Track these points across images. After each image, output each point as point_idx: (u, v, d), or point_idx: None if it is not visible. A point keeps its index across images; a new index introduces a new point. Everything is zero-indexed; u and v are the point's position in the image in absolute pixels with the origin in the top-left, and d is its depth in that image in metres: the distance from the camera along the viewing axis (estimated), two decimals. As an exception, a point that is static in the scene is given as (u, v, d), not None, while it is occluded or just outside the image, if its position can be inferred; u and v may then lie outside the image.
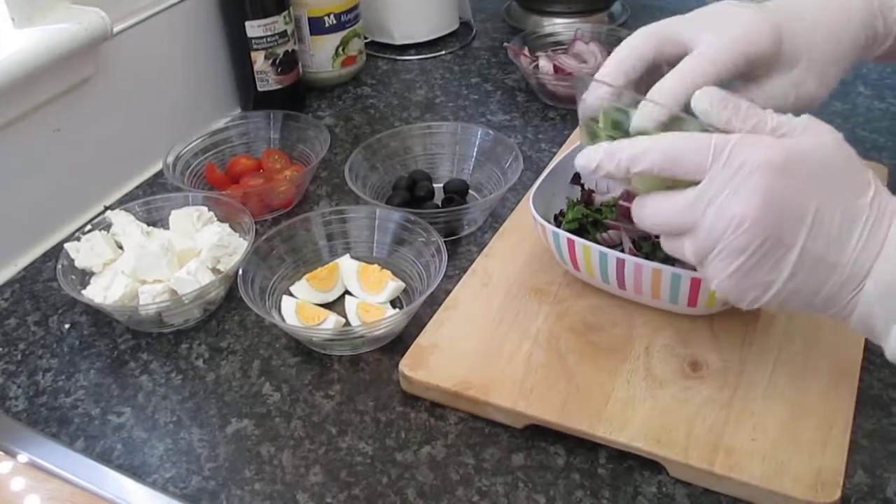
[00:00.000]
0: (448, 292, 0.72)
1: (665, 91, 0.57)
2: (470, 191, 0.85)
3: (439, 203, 0.83)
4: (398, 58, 1.17)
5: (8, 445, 0.63)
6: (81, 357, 0.72)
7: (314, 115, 1.04)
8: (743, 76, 0.61)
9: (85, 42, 0.80)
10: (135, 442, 0.64)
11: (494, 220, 0.83)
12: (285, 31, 0.98)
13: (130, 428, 0.65)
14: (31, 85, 0.77)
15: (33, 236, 0.84)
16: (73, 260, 0.74)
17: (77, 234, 0.77)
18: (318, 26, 1.05)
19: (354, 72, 1.11)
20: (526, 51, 1.06)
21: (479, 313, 0.70)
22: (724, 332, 0.66)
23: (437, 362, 0.65)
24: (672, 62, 0.60)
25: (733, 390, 0.62)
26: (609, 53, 0.63)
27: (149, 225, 0.79)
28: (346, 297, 0.74)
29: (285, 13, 0.97)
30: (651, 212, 0.54)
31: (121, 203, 0.90)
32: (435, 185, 0.85)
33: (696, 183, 0.51)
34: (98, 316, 0.75)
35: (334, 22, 1.05)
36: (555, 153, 0.93)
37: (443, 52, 1.18)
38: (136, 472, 0.62)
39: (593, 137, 0.57)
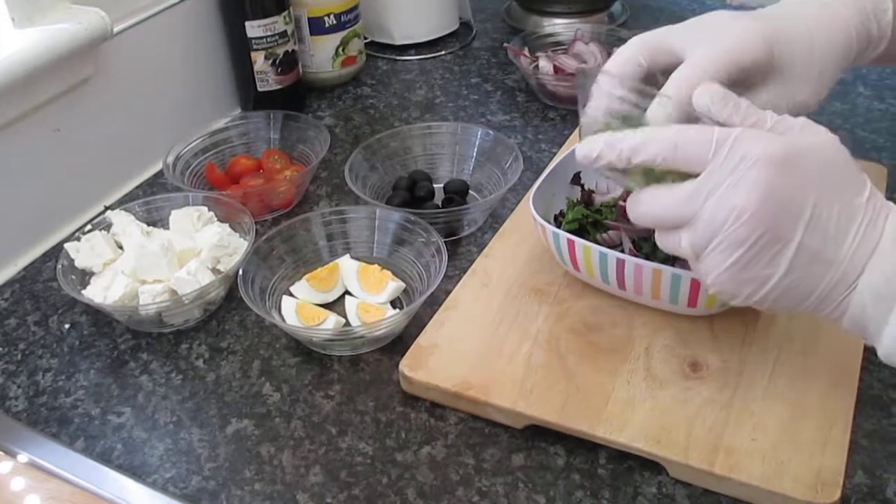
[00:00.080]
0: (448, 293, 0.72)
1: (648, 113, 0.57)
2: (470, 191, 0.85)
3: (439, 203, 0.83)
4: (398, 58, 1.17)
5: (8, 445, 0.63)
6: (81, 357, 0.72)
7: (314, 115, 1.04)
8: (736, 85, 0.61)
9: (85, 42, 0.80)
10: (135, 442, 0.64)
11: (494, 220, 0.83)
12: (285, 31, 0.98)
13: (130, 428, 0.65)
14: (31, 85, 0.77)
15: (33, 236, 0.84)
16: (73, 260, 0.74)
17: (77, 234, 0.77)
18: (318, 26, 1.05)
19: (354, 72, 1.11)
20: (526, 51, 1.06)
21: (479, 314, 0.70)
22: (724, 333, 0.66)
23: (437, 362, 0.65)
24: (665, 71, 0.60)
25: (733, 391, 0.62)
26: (609, 54, 0.64)
27: (149, 225, 0.79)
28: (347, 297, 0.74)
29: (285, 13, 0.97)
30: (648, 205, 0.54)
31: (121, 203, 0.90)
32: (435, 186, 0.85)
33: (694, 178, 0.51)
34: (98, 316, 0.76)
35: (334, 22, 1.05)
36: (555, 153, 0.93)
37: (443, 53, 1.18)
38: (136, 472, 0.62)
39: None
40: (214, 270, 0.74)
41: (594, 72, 0.59)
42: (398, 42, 1.18)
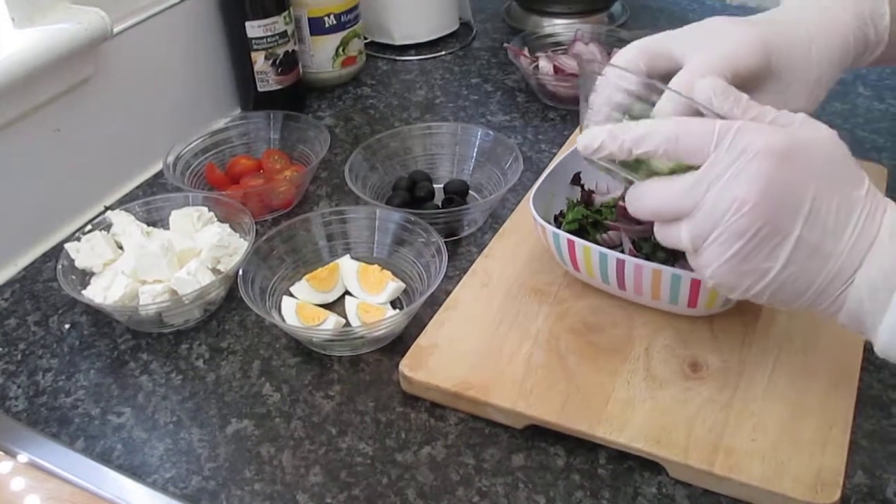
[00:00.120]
0: (448, 293, 0.72)
1: (657, 107, 0.57)
2: (470, 191, 0.85)
3: (439, 203, 0.83)
4: (398, 58, 1.17)
5: (8, 445, 0.63)
6: (81, 357, 0.72)
7: (314, 115, 1.04)
8: None
9: (85, 42, 0.80)
10: (135, 442, 0.64)
11: (494, 220, 0.83)
12: (285, 31, 0.98)
13: (130, 428, 0.65)
14: (31, 85, 0.77)
15: (33, 236, 0.84)
16: (73, 260, 0.74)
17: (77, 234, 0.77)
18: (318, 26, 1.05)
19: (354, 72, 1.11)
20: (526, 51, 1.06)
21: (479, 314, 0.70)
22: (724, 333, 0.66)
23: (437, 363, 0.65)
24: (664, 77, 0.60)
25: (733, 391, 0.62)
26: (609, 54, 0.64)
27: (149, 225, 0.79)
28: (347, 297, 0.74)
29: (285, 13, 0.97)
30: (649, 196, 0.54)
31: (121, 203, 0.90)
32: (435, 186, 0.85)
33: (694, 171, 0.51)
34: (98, 316, 0.76)
35: (334, 22, 1.05)
36: (555, 154, 0.93)
37: (443, 53, 1.18)
38: (136, 472, 0.62)
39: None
40: (214, 270, 0.74)
41: (599, 65, 0.59)
42: (398, 42, 1.18)
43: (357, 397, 0.66)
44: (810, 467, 0.56)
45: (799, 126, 0.52)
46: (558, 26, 1.12)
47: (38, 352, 0.73)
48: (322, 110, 1.06)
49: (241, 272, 0.70)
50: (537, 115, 1.02)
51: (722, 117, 0.53)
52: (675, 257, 0.66)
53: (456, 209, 0.80)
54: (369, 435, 0.63)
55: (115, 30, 0.84)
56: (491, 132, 0.87)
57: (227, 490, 0.60)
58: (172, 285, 0.71)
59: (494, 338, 0.67)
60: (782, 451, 0.57)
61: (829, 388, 0.61)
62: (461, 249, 0.81)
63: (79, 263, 0.74)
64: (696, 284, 0.63)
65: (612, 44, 1.04)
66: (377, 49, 1.19)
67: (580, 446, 0.61)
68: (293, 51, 1.01)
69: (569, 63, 1.02)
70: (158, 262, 0.72)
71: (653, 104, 0.57)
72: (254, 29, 0.96)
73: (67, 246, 0.75)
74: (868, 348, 0.64)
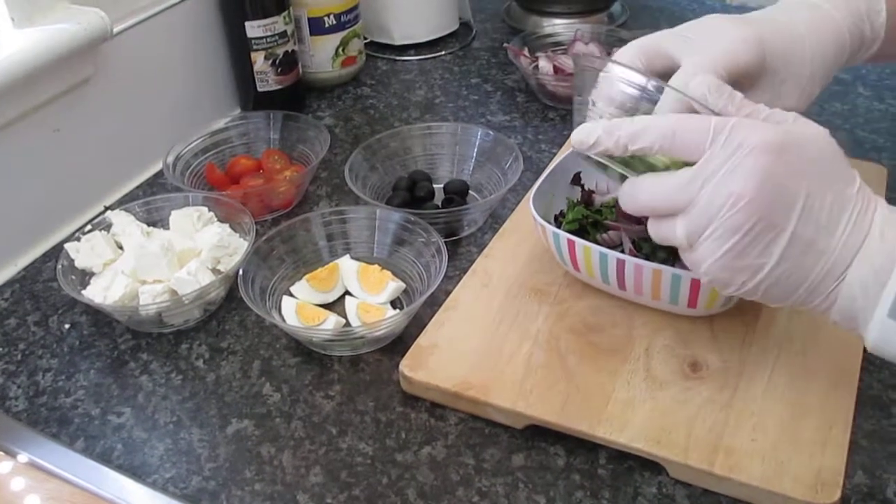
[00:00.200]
0: (448, 293, 0.72)
1: (658, 106, 0.58)
2: (470, 191, 0.85)
3: (439, 203, 0.83)
4: (398, 58, 1.17)
5: (8, 445, 0.63)
6: (81, 357, 0.72)
7: (314, 115, 1.04)
8: None
9: (85, 42, 0.80)
10: (135, 442, 0.64)
11: (494, 220, 0.83)
12: (285, 31, 0.98)
13: (130, 428, 0.65)
14: (31, 85, 0.77)
15: (33, 236, 0.84)
16: (73, 260, 0.74)
17: (77, 234, 0.77)
18: (317, 26, 1.05)
19: (354, 72, 1.11)
20: (526, 51, 1.06)
21: (479, 314, 0.70)
22: (724, 333, 0.66)
23: (437, 363, 0.65)
24: (661, 76, 0.60)
25: (733, 391, 0.62)
26: (609, 54, 0.64)
27: (149, 225, 0.79)
28: (347, 297, 0.74)
29: (285, 13, 0.97)
30: (643, 192, 0.54)
31: (121, 203, 0.90)
32: (435, 186, 0.85)
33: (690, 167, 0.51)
34: (98, 316, 0.75)
35: (334, 22, 1.05)
36: (555, 154, 0.93)
37: (442, 53, 1.18)
38: (136, 472, 0.62)
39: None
40: (214, 271, 0.74)
41: (598, 61, 0.59)
42: (398, 42, 1.18)
43: (357, 397, 0.66)
44: (810, 467, 0.56)
45: (793, 123, 0.53)
46: (558, 26, 1.12)
47: (38, 352, 0.73)
48: (322, 110, 1.06)
49: (241, 272, 0.70)
50: (537, 115, 1.02)
51: (717, 114, 0.53)
52: (675, 257, 0.66)
53: (456, 209, 0.80)
54: (369, 435, 0.63)
55: (115, 30, 0.84)
56: (491, 132, 0.87)
57: (227, 490, 0.60)
58: (172, 285, 0.71)
59: (494, 338, 0.67)
60: (782, 451, 0.57)
61: (829, 388, 0.61)
62: (461, 249, 0.81)
63: (79, 263, 0.74)
64: (696, 284, 0.63)
65: (611, 44, 1.04)
66: (377, 49, 1.19)
67: (580, 446, 0.61)
68: (293, 51, 1.01)
69: (569, 63, 1.02)
70: (158, 262, 0.72)
71: (653, 102, 0.57)
72: (253, 29, 0.96)
73: (67, 246, 0.75)
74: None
